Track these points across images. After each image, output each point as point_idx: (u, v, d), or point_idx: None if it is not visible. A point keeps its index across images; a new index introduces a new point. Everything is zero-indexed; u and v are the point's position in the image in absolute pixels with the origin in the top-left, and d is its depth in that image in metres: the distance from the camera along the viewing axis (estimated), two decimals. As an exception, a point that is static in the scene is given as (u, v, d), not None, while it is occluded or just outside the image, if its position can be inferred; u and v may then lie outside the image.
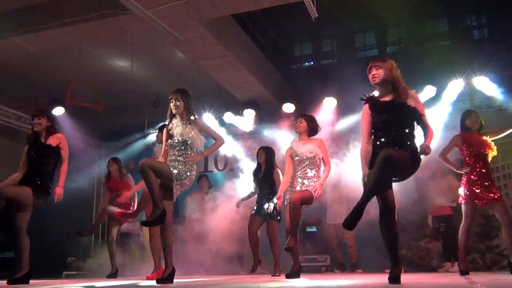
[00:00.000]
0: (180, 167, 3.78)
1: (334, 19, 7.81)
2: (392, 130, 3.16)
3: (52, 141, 4.34)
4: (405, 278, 3.84)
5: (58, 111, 8.13)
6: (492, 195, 4.62)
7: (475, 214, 4.83)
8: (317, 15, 5.43)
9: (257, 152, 6.20)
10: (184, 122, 3.89)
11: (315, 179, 4.70)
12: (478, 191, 4.66)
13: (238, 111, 8.83)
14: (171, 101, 3.93)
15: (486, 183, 4.67)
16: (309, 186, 4.66)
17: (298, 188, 4.71)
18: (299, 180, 4.75)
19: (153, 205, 3.63)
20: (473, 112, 5.02)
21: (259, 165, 6.12)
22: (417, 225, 7.30)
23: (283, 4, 6.25)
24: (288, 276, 4.46)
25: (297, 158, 4.81)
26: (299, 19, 7.00)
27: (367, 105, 3.31)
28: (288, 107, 8.50)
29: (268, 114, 8.81)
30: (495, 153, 4.85)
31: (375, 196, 3.02)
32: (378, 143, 3.19)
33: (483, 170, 4.73)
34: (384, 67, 3.24)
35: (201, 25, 6.51)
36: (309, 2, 5.22)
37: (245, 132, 9.00)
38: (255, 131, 9.01)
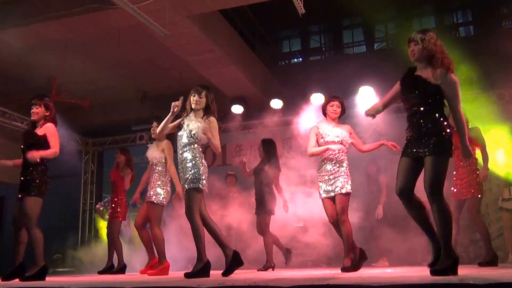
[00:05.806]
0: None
1: (322, 16, 7.82)
2: (408, 108, 3.16)
3: (40, 130, 4.10)
4: (392, 272, 3.88)
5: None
6: None
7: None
8: (304, 11, 5.43)
9: (259, 146, 6.02)
10: (198, 119, 3.83)
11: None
12: None
13: (226, 107, 8.82)
14: (194, 95, 3.86)
15: None
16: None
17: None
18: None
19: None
20: None
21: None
22: (401, 219, 7.35)
23: (271, 0, 6.25)
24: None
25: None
26: (287, 16, 6.99)
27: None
28: (276, 103, 8.50)
29: (256, 110, 8.81)
30: None
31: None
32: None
33: None
34: (423, 42, 3.17)
35: (188, 20, 6.48)
36: (296, -2, 5.22)
37: (233, 128, 8.98)
38: (243, 127, 9.00)
